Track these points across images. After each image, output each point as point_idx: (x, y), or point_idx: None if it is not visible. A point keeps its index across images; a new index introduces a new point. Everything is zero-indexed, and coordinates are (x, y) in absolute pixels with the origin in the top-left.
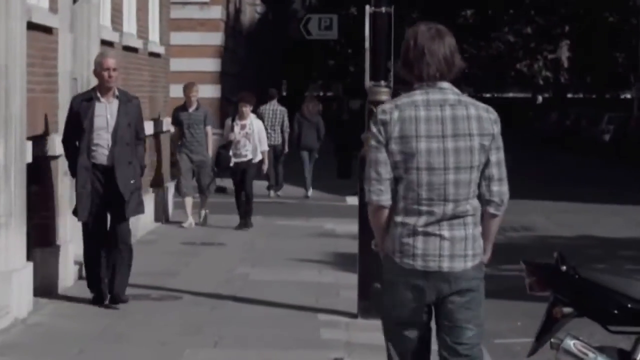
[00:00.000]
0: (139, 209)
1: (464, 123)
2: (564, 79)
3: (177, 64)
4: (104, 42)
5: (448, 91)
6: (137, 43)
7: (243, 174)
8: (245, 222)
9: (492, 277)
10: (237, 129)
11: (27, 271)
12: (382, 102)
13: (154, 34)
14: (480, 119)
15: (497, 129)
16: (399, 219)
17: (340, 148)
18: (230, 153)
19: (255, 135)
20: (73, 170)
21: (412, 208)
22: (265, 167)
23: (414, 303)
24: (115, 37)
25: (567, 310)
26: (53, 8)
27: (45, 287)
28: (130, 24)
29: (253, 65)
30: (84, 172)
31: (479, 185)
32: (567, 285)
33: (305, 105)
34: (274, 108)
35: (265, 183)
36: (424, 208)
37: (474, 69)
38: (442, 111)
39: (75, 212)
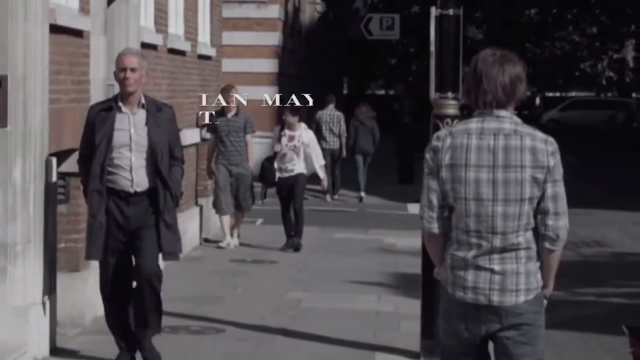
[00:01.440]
0: (174, 248)
1: (516, 154)
2: (629, 78)
3: (233, 65)
4: (146, 45)
5: (505, 120)
6: (185, 45)
7: (290, 189)
8: (293, 243)
9: (568, 304)
10: (284, 140)
11: (48, 304)
12: (448, 117)
13: (204, 35)
14: (535, 151)
15: (553, 161)
16: (451, 250)
17: (401, 151)
18: (275, 166)
19: (304, 148)
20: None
21: (462, 239)
22: (324, 184)
23: (466, 334)
24: (158, 40)
25: None
26: (84, 9)
27: (73, 317)
28: (177, 25)
29: (312, 65)
30: (97, 198)
31: (536, 219)
32: None
33: (359, 110)
34: (331, 113)
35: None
36: (473, 240)
37: (538, 68)
38: (495, 140)
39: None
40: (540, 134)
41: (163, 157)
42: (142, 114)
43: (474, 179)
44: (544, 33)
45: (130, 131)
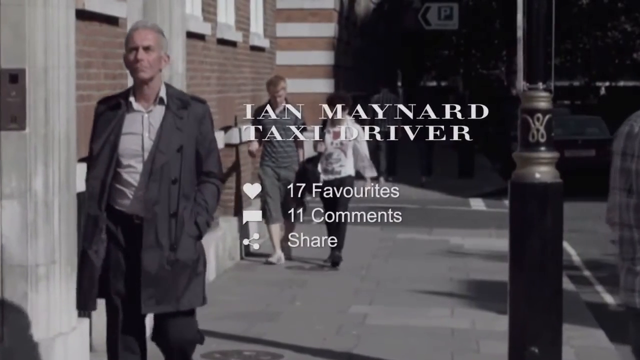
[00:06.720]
0: (195, 297)
1: None
2: None
3: (287, 57)
4: (192, 35)
5: None
6: (236, 36)
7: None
8: (333, 257)
9: None
10: (328, 137)
11: (77, 333)
12: (539, 111)
13: (256, 25)
14: None
15: None
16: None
17: (461, 144)
18: (319, 169)
19: (352, 144)
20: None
21: (619, 234)
22: (367, 185)
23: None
24: (206, 29)
25: None
26: None
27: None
28: (227, 14)
29: (367, 57)
30: (92, 228)
31: None
32: None
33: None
34: (386, 96)
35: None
36: (627, 233)
37: (590, 58)
38: None
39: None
40: None
41: (183, 171)
42: (160, 111)
43: (635, 170)
44: (595, 22)
45: (144, 136)
